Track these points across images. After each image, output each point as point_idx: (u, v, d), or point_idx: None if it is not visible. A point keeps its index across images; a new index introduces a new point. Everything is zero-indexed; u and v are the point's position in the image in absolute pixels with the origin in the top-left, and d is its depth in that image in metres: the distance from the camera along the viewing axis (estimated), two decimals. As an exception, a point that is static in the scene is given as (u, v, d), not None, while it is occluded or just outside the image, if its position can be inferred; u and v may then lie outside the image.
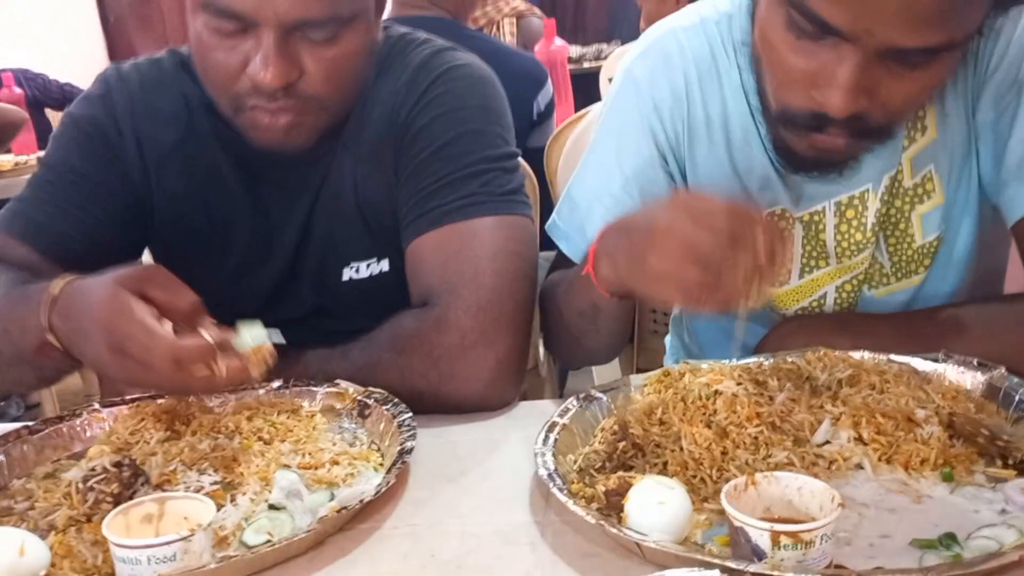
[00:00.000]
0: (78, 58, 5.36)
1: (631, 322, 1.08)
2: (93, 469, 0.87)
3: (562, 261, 1.19)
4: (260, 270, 1.23)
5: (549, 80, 2.33)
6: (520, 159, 1.20)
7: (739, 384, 0.92)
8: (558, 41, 3.01)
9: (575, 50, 4.80)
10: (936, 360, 0.96)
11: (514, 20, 4.10)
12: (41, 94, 4.27)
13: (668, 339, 1.52)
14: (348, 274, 1.20)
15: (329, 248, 1.21)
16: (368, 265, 1.20)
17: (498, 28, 3.99)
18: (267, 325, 1.15)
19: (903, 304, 1.12)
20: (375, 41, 1.14)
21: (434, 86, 1.16)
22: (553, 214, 1.21)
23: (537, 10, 4.33)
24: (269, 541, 0.80)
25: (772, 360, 1.00)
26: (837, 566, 0.70)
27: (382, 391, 1.03)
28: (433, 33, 1.93)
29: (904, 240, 1.09)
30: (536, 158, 2.07)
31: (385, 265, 1.20)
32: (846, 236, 1.09)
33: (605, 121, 1.17)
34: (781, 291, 1.15)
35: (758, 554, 0.69)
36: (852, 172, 1.04)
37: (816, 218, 1.10)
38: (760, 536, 0.68)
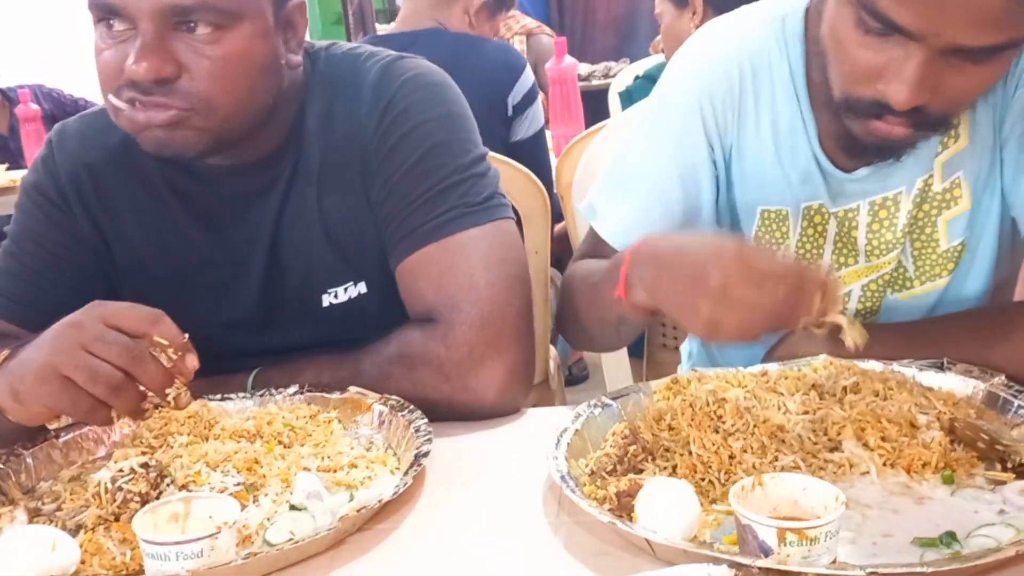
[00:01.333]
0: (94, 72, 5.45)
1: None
2: (121, 470, 0.90)
3: (591, 246, 1.20)
4: (231, 306, 1.22)
5: (527, 69, 2.29)
6: (489, 158, 1.21)
7: (746, 392, 0.95)
8: (568, 59, 3.05)
9: (584, 68, 4.85)
10: (938, 368, 0.99)
11: (524, 38, 4.14)
12: (57, 109, 4.33)
13: (684, 346, 1.55)
14: (328, 300, 1.20)
15: (304, 277, 1.20)
16: (346, 289, 1.20)
17: (508, 46, 4.04)
18: (254, 356, 1.18)
19: (928, 307, 1.15)
20: (275, 57, 1.10)
21: (393, 104, 1.15)
22: (588, 195, 1.22)
23: (547, 28, 4.37)
24: (291, 539, 0.83)
25: (779, 368, 1.03)
26: (841, 563, 0.72)
27: (398, 399, 1.06)
28: (423, 42, 1.94)
29: (929, 244, 1.12)
30: (520, 153, 2.06)
31: (363, 287, 1.20)
32: (877, 235, 1.13)
33: (656, 105, 1.19)
34: None
35: (765, 550, 0.71)
36: (908, 157, 1.07)
37: (850, 215, 1.13)
38: (767, 533, 0.71)
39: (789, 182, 1.13)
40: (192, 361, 0.93)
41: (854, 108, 0.98)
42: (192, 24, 1.02)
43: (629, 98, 2.76)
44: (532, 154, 2.22)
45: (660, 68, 2.68)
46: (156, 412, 0.93)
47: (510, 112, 2.25)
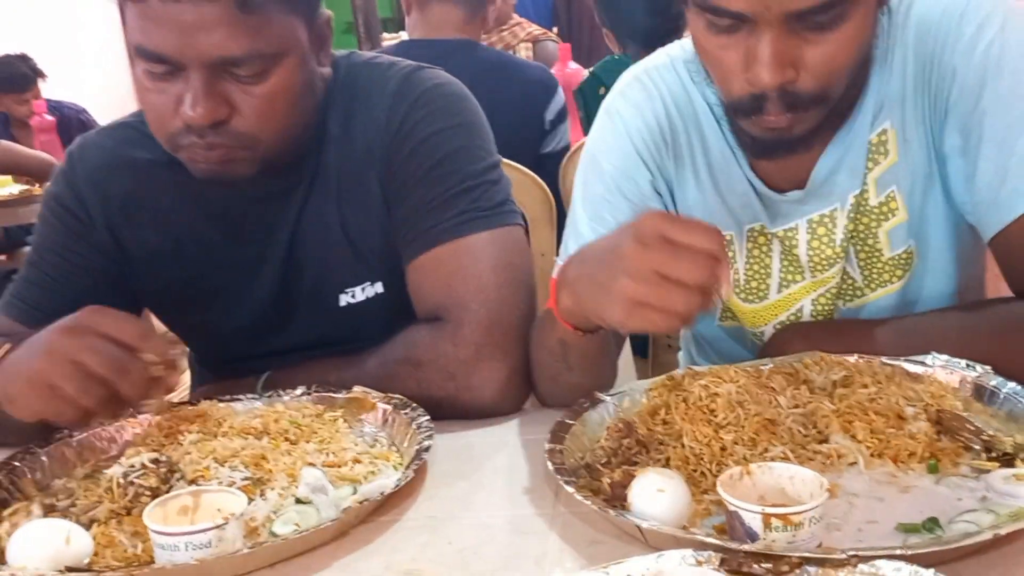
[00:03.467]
0: (112, 90, 5.55)
1: (606, 362, 1.09)
2: (132, 465, 0.93)
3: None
4: (248, 306, 1.26)
5: (559, 89, 2.43)
6: (501, 167, 1.24)
7: (738, 387, 0.97)
8: (573, 64, 3.08)
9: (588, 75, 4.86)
10: (925, 361, 1.01)
11: (530, 45, 4.17)
12: (85, 127, 4.48)
13: (681, 355, 1.57)
14: (344, 300, 1.24)
15: (321, 277, 1.24)
16: (363, 289, 1.24)
17: (514, 53, 4.06)
18: (273, 355, 1.23)
19: (887, 311, 1.17)
20: (313, 77, 1.16)
21: (413, 112, 1.19)
22: (557, 260, 1.20)
23: (552, 35, 4.40)
24: (297, 530, 0.85)
25: (771, 364, 1.05)
26: (825, 547, 0.74)
27: (401, 397, 1.09)
28: (451, 52, 2.02)
29: (873, 254, 1.15)
30: (549, 163, 2.16)
31: (379, 287, 1.24)
32: (818, 251, 1.15)
33: (594, 160, 1.20)
34: (759, 306, 1.20)
35: (751, 536, 0.74)
36: (828, 181, 1.10)
37: (790, 234, 1.16)
38: (753, 519, 0.73)
39: (730, 208, 1.16)
40: (175, 378, 1.00)
41: (739, 109, 1.02)
42: (239, 69, 1.06)
43: (581, 94, 2.86)
44: (558, 166, 2.29)
45: (604, 65, 2.77)
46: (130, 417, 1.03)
47: (547, 127, 2.38)
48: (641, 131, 1.17)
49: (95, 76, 5.48)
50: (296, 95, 1.12)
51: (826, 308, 1.19)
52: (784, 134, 1.02)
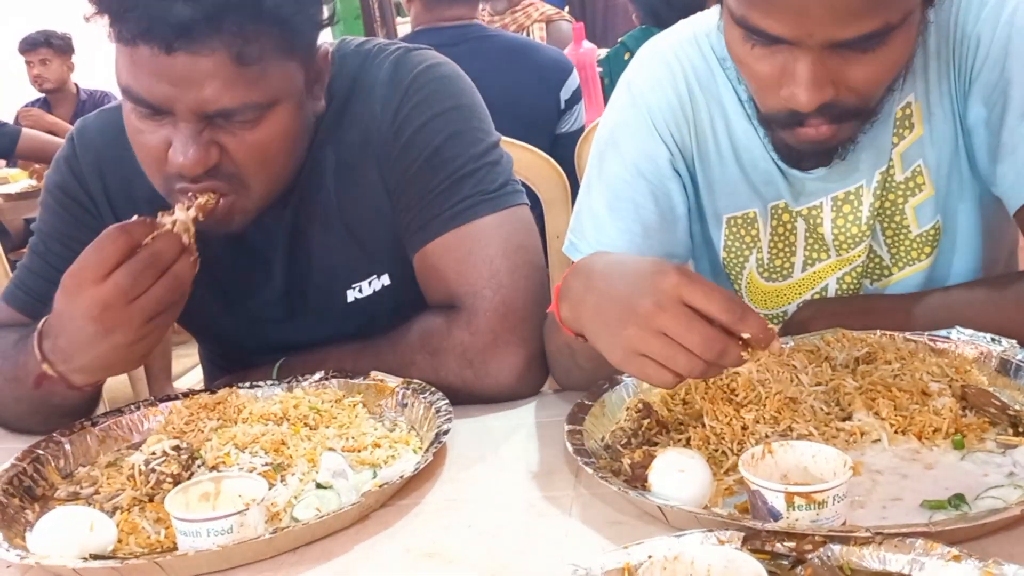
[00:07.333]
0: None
1: None
2: (154, 453, 0.93)
3: None
4: (255, 305, 1.25)
5: (575, 71, 2.44)
6: (508, 145, 1.22)
7: (759, 365, 0.96)
8: (587, 44, 3.05)
9: (604, 53, 4.84)
10: (950, 336, 1.00)
11: (543, 25, 4.15)
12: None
13: None
14: (352, 295, 1.23)
15: (327, 274, 1.23)
16: (370, 283, 1.22)
17: (528, 33, 4.05)
18: (282, 351, 1.21)
19: (914, 290, 1.15)
20: (306, 118, 1.12)
21: (407, 98, 1.16)
22: (568, 235, 1.21)
23: (566, 14, 4.38)
24: (318, 515, 0.85)
25: (793, 342, 1.04)
26: (849, 525, 0.74)
27: (420, 382, 1.09)
28: (459, 37, 1.98)
29: (900, 231, 1.13)
30: (565, 144, 2.17)
31: (386, 279, 1.22)
32: (843, 230, 1.13)
33: (612, 137, 1.19)
34: (783, 285, 1.19)
35: (774, 515, 0.73)
36: (852, 157, 1.07)
37: (814, 212, 1.14)
38: (775, 498, 0.73)
39: (753, 185, 1.15)
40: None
41: (776, 121, 1.00)
42: (231, 117, 1.02)
43: (608, 63, 2.91)
44: (574, 147, 2.30)
45: (633, 34, 2.78)
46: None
47: (563, 106, 2.39)
48: (662, 108, 1.15)
49: (108, 60, 5.49)
50: (289, 140, 1.09)
51: (852, 287, 1.17)
52: (823, 145, 1.00)
